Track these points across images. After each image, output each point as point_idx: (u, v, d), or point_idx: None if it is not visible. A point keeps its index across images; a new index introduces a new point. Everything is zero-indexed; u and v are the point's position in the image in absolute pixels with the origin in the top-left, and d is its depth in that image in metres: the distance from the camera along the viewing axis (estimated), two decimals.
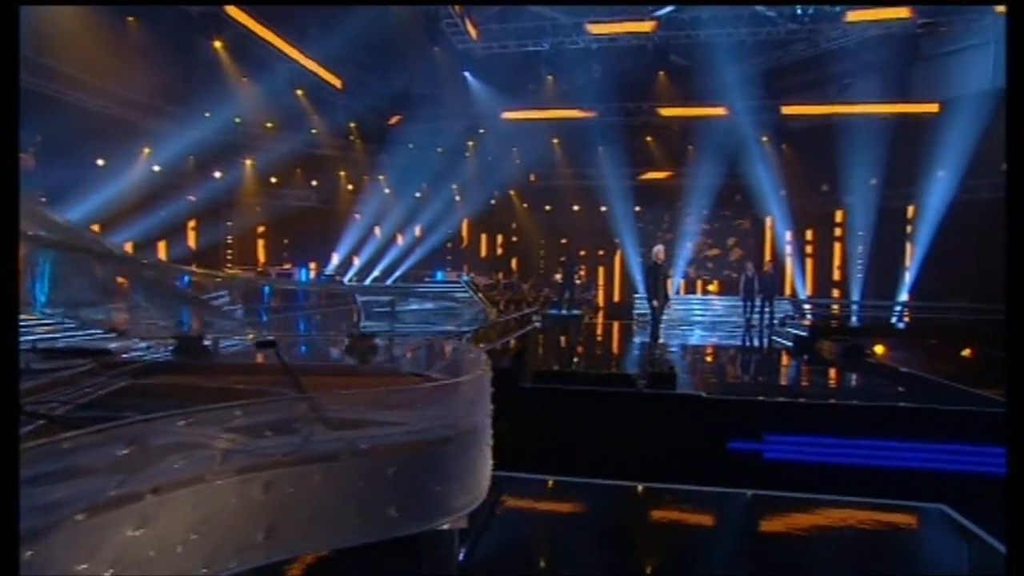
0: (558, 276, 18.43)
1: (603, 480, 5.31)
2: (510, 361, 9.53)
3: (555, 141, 21.78)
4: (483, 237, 25.01)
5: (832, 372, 9.74)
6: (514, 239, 24.84)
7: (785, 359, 11.38)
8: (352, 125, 20.76)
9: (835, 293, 20.02)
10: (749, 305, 15.44)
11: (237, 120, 17.96)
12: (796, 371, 10.36)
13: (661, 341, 11.20)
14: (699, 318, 18.37)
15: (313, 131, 19.75)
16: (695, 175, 20.52)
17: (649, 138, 21.37)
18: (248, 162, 19.05)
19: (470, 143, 22.03)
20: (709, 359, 11.37)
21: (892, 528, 4.42)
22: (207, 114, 16.10)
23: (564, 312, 16.23)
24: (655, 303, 10.55)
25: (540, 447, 6.52)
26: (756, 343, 13.78)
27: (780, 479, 5.84)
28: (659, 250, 10.54)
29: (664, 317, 11.37)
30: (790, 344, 12.26)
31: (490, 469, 2.29)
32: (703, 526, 4.80)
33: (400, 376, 2.78)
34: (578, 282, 20.02)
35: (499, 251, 25.06)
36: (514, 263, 24.73)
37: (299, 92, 18.50)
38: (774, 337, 13.76)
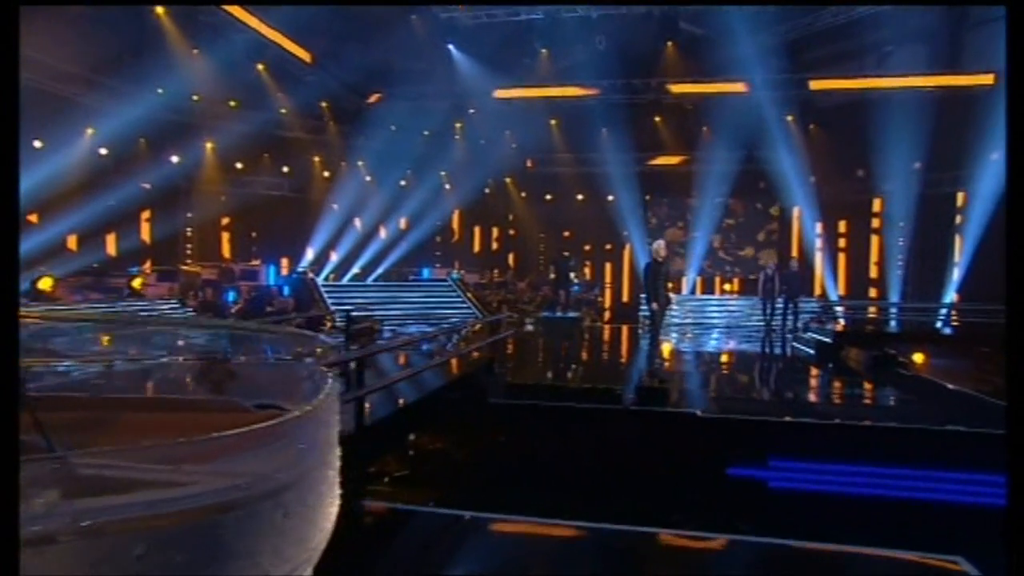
0: (552, 275, 18.05)
1: (584, 522, 4.95)
2: (483, 372, 9.23)
3: (553, 122, 21.39)
4: (476, 230, 24.67)
5: (856, 386, 9.32)
6: (511, 232, 24.45)
7: (803, 369, 11.04)
8: (324, 105, 20.46)
9: (871, 293, 19.61)
10: (769, 307, 15.07)
11: (195, 98, 17.69)
12: (812, 384, 10.00)
13: (667, 347, 10.85)
14: (715, 320, 17.98)
15: (282, 111, 19.46)
16: (711, 160, 20.07)
17: (658, 119, 20.91)
18: (208, 145, 18.79)
19: (458, 125, 21.69)
20: (715, 368, 11.04)
21: None
22: (159, 90, 15.82)
23: (560, 314, 15.85)
24: (655, 305, 10.15)
25: (508, 475, 6.19)
26: (774, 350, 13.42)
27: (787, 511, 5.56)
28: (660, 245, 10.14)
29: (667, 320, 11.03)
30: (812, 352, 11.88)
31: (318, 536, 1.89)
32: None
33: (240, 410, 2.40)
34: (576, 280, 19.63)
35: (494, 245, 24.72)
36: (511, 259, 24.37)
37: (260, 67, 18.15)
38: (795, 343, 13.39)
